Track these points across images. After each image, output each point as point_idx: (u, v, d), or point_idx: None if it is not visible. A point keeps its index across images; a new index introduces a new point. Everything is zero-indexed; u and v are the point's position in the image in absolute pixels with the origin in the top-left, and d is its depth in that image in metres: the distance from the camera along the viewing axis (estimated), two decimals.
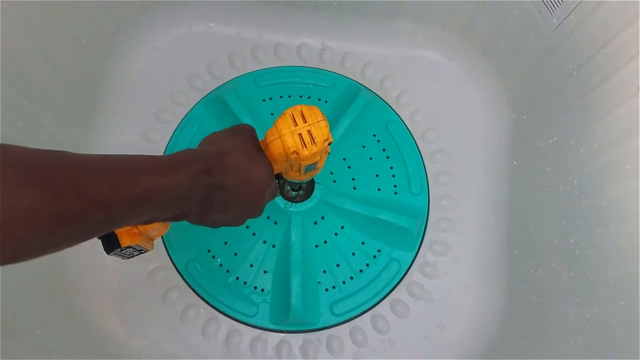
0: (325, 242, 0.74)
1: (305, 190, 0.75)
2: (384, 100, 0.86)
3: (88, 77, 0.78)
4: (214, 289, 0.71)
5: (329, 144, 0.47)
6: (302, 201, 0.74)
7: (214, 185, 0.40)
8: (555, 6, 0.66)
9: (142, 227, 0.45)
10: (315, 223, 0.75)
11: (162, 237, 0.73)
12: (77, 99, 0.75)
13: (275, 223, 0.74)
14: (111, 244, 0.44)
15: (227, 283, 0.71)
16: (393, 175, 0.79)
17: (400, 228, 0.73)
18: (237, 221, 0.47)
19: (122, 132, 0.80)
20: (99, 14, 0.76)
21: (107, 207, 0.31)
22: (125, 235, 0.44)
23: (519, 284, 0.72)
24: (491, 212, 0.79)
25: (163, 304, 0.70)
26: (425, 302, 0.73)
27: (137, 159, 0.35)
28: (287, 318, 0.68)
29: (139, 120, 0.82)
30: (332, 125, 0.78)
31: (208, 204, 0.40)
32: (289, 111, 0.45)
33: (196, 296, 0.71)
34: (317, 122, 0.45)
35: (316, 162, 0.49)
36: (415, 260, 0.75)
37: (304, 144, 0.44)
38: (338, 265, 0.73)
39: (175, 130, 0.82)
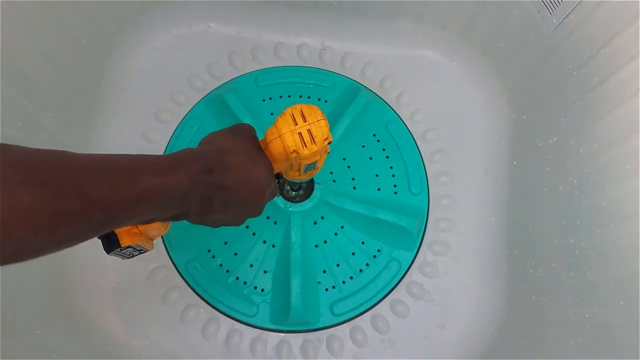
0: (325, 242, 0.74)
1: (305, 190, 0.75)
2: (383, 100, 0.86)
3: (88, 77, 0.78)
4: (214, 289, 0.71)
5: (329, 143, 0.47)
6: (302, 201, 0.74)
7: (214, 185, 0.40)
8: (555, 6, 0.66)
9: (142, 227, 0.45)
10: (315, 223, 0.75)
11: (162, 237, 0.73)
12: (77, 99, 0.75)
13: (275, 223, 0.74)
14: (111, 244, 0.43)
15: (227, 283, 0.71)
16: (393, 175, 0.79)
17: (400, 228, 0.73)
18: (237, 221, 0.47)
19: (122, 132, 0.80)
20: (99, 14, 0.76)
21: (107, 206, 0.31)
22: (125, 235, 0.44)
23: (518, 283, 0.72)
24: (491, 212, 0.79)
25: (163, 304, 0.70)
26: (425, 302, 0.73)
27: (137, 158, 0.35)
28: (287, 318, 0.68)
29: (139, 120, 0.82)
30: (332, 125, 0.78)
31: (208, 204, 0.40)
32: (288, 110, 0.45)
33: (196, 296, 0.71)
34: (317, 121, 0.45)
35: (316, 162, 0.49)
36: (415, 260, 0.75)
37: (304, 143, 0.44)
38: (338, 265, 0.73)
39: (175, 130, 0.82)
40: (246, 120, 0.77)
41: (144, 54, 0.86)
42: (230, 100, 0.79)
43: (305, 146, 0.45)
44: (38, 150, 0.30)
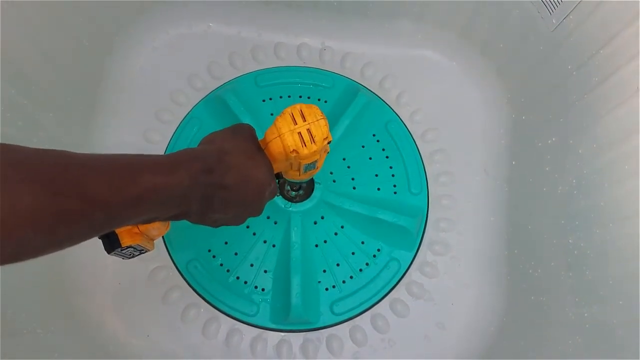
0: (325, 241, 0.74)
1: (305, 190, 0.75)
2: (383, 100, 0.86)
3: (88, 77, 0.79)
4: (214, 289, 0.71)
5: (329, 143, 0.47)
6: (302, 201, 0.74)
7: (214, 185, 0.40)
8: (555, 6, 0.66)
9: (142, 227, 0.45)
10: (315, 223, 0.75)
11: (162, 237, 0.73)
12: (77, 99, 0.75)
13: (276, 223, 0.74)
14: (112, 244, 0.44)
15: (228, 283, 0.71)
16: (393, 175, 0.79)
17: (400, 228, 0.73)
18: (237, 220, 0.47)
19: (122, 132, 0.80)
20: (99, 14, 0.76)
21: (107, 206, 0.31)
22: (126, 235, 0.44)
23: (518, 283, 0.72)
24: (491, 211, 0.79)
25: (163, 304, 0.71)
26: (425, 302, 0.73)
27: (137, 158, 0.35)
28: (287, 317, 0.68)
29: (139, 120, 0.82)
30: (332, 125, 0.78)
31: (208, 203, 0.40)
32: (288, 110, 0.45)
33: (197, 296, 0.71)
34: (317, 120, 0.45)
35: (316, 161, 0.49)
36: (415, 260, 0.75)
37: (304, 143, 0.45)
38: (338, 265, 0.73)
39: (175, 131, 0.82)
40: (246, 120, 0.78)
41: (144, 54, 0.86)
42: (231, 100, 0.80)
43: (305, 146, 0.45)
44: (38, 150, 0.30)
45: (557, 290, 0.63)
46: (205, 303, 0.71)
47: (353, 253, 0.74)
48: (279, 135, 0.45)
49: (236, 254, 0.73)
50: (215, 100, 0.83)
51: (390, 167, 0.80)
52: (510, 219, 0.77)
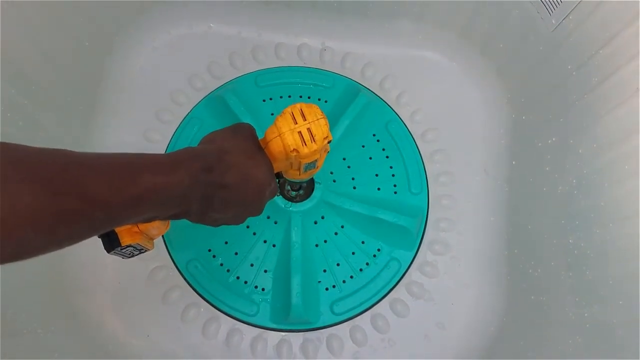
0: (326, 241, 0.74)
1: (305, 190, 0.75)
2: (383, 100, 0.86)
3: (88, 77, 0.79)
4: (214, 289, 0.71)
5: (329, 143, 0.47)
6: (302, 201, 0.74)
7: (214, 184, 0.40)
8: (555, 6, 0.66)
9: (142, 226, 0.45)
10: (316, 222, 0.75)
11: (162, 236, 0.74)
12: (78, 98, 0.75)
13: (276, 223, 0.74)
14: (111, 243, 0.44)
15: (228, 282, 0.71)
16: (393, 175, 0.80)
17: (400, 227, 0.73)
18: (238, 220, 0.47)
19: (122, 132, 0.81)
20: (99, 14, 0.76)
21: (107, 205, 0.31)
22: (126, 234, 0.44)
23: (518, 283, 0.72)
24: (491, 212, 0.79)
25: (163, 304, 0.71)
26: (425, 302, 0.73)
27: (137, 157, 0.35)
28: (287, 317, 0.68)
29: (139, 120, 0.82)
30: (332, 125, 0.78)
31: (208, 203, 0.40)
32: (288, 109, 0.45)
33: (197, 295, 0.71)
34: (317, 119, 0.45)
35: (316, 161, 0.49)
36: (415, 260, 0.75)
37: (304, 142, 0.45)
38: (338, 265, 0.73)
39: (175, 131, 0.82)
40: (246, 120, 0.78)
41: (144, 54, 0.86)
42: (231, 100, 0.80)
43: (305, 145, 0.45)
44: (38, 149, 0.30)
45: (557, 290, 0.63)
46: (206, 303, 0.71)
47: (353, 253, 0.74)
48: (279, 135, 0.45)
49: (236, 253, 0.73)
50: (215, 100, 0.83)
51: (391, 167, 0.80)
52: (510, 219, 0.77)
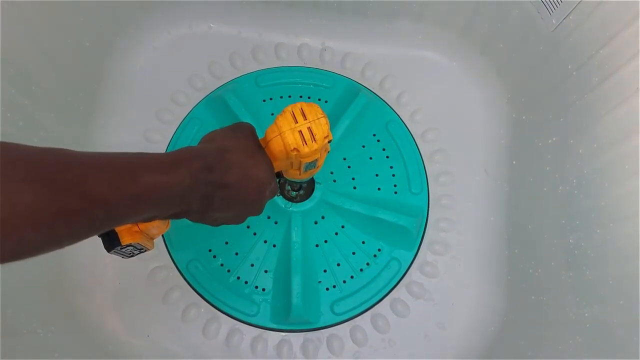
0: (326, 241, 0.74)
1: (306, 190, 0.75)
2: (383, 100, 0.86)
3: (88, 77, 0.79)
4: (215, 289, 0.71)
5: (329, 142, 0.47)
6: (302, 201, 0.74)
7: (215, 183, 0.40)
8: (555, 6, 0.66)
9: (142, 226, 0.45)
10: (316, 223, 0.75)
11: (163, 236, 0.74)
12: (78, 99, 0.75)
13: (276, 223, 0.74)
14: (112, 242, 0.43)
15: (228, 282, 0.71)
16: (393, 175, 0.80)
17: (400, 227, 0.73)
18: (238, 219, 0.47)
19: (122, 132, 0.81)
20: (99, 13, 0.76)
21: (107, 205, 0.31)
22: (126, 234, 0.44)
23: (518, 283, 0.72)
24: (491, 211, 0.79)
25: (164, 304, 0.71)
26: (425, 302, 0.73)
27: (137, 156, 0.35)
28: (287, 317, 0.68)
29: (139, 120, 0.82)
30: (332, 125, 0.78)
31: (208, 202, 0.40)
32: (289, 108, 0.45)
33: (197, 295, 0.71)
34: (317, 119, 0.45)
35: (316, 160, 0.49)
36: (415, 260, 0.75)
37: (304, 141, 0.45)
38: (338, 265, 0.73)
39: (176, 131, 0.82)
40: (246, 120, 0.77)
41: (144, 54, 0.86)
42: (231, 100, 0.80)
43: (306, 144, 0.45)
44: (38, 148, 0.30)
45: (558, 290, 0.63)
46: (206, 303, 0.71)
47: (353, 253, 0.74)
48: (280, 134, 0.44)
49: (237, 254, 0.73)
50: (215, 100, 0.83)
51: (391, 167, 0.80)
52: (510, 218, 0.77)
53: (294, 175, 0.54)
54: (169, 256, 0.73)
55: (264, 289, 0.71)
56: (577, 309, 0.59)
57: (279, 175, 0.54)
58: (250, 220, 0.74)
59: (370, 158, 0.81)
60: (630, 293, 0.51)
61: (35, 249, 0.29)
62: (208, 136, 0.45)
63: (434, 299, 0.73)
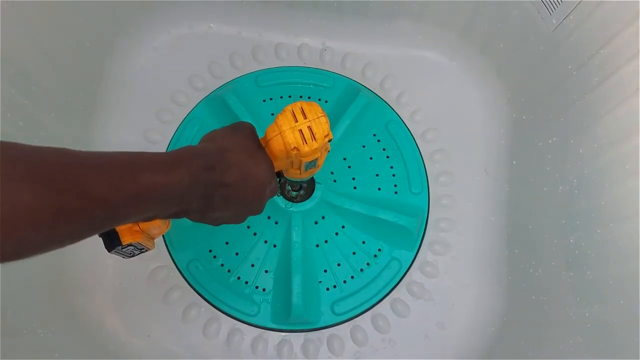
0: (326, 241, 0.74)
1: (306, 190, 0.75)
2: (384, 100, 0.86)
3: (88, 77, 0.79)
4: (215, 289, 0.71)
5: (329, 141, 0.47)
6: (302, 201, 0.74)
7: (215, 183, 0.40)
8: (555, 6, 0.66)
9: (143, 225, 0.45)
10: (316, 223, 0.75)
11: (163, 237, 0.74)
12: (78, 99, 0.75)
13: (276, 223, 0.74)
14: (112, 242, 0.43)
15: (229, 283, 0.71)
16: (393, 175, 0.80)
17: (401, 227, 0.73)
18: (238, 218, 0.47)
19: (122, 132, 0.81)
20: (99, 13, 0.76)
21: (107, 204, 0.31)
22: (127, 233, 0.44)
23: (518, 283, 0.72)
24: (491, 211, 0.79)
25: (164, 304, 0.71)
26: (425, 302, 0.73)
27: (138, 156, 0.35)
28: (288, 317, 0.68)
29: (139, 120, 0.82)
30: (333, 125, 0.77)
31: (208, 201, 0.40)
32: (289, 107, 0.45)
33: (197, 296, 0.71)
34: (317, 118, 0.45)
35: (316, 159, 0.49)
36: (416, 260, 0.75)
37: (305, 140, 0.44)
38: (339, 265, 0.73)
39: (176, 131, 0.82)
40: (247, 120, 0.77)
41: (144, 54, 0.86)
42: (231, 100, 0.80)
43: (306, 143, 0.45)
44: (38, 147, 0.30)
45: (558, 290, 0.63)
46: (206, 303, 0.71)
47: (354, 253, 0.74)
48: (280, 133, 0.44)
49: (237, 254, 0.73)
50: (215, 100, 0.83)
51: (391, 167, 0.80)
52: (510, 218, 0.77)
53: (294, 174, 0.54)
54: (169, 256, 0.73)
55: (264, 289, 0.71)
56: (577, 309, 0.59)
57: (279, 174, 0.54)
58: (251, 220, 0.74)
59: (371, 158, 0.81)
60: (630, 293, 0.51)
61: (35, 249, 0.29)
62: (208, 135, 0.45)
63: (434, 299, 0.73)
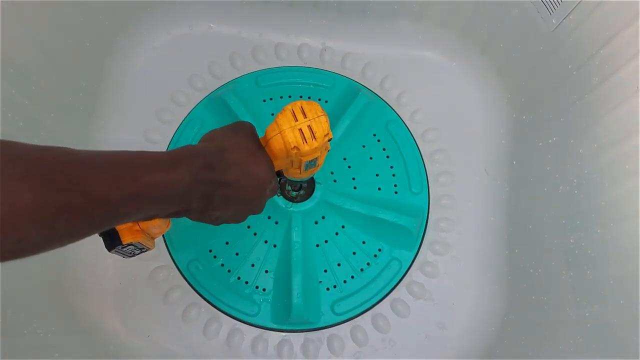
0: (326, 241, 0.74)
1: (306, 190, 0.75)
2: (384, 100, 0.87)
3: (88, 77, 0.79)
4: (215, 289, 0.71)
5: (329, 140, 0.47)
6: (302, 201, 0.74)
7: (215, 182, 0.40)
8: (555, 6, 0.66)
9: (143, 225, 0.45)
10: (316, 223, 0.75)
11: (163, 237, 0.74)
12: (78, 99, 0.75)
13: (276, 223, 0.74)
14: (112, 241, 0.43)
15: (229, 283, 0.71)
16: (393, 175, 0.80)
17: (401, 227, 0.73)
18: (238, 218, 0.47)
19: (123, 132, 0.81)
20: (99, 14, 0.76)
21: (107, 203, 0.31)
22: (127, 233, 0.44)
23: (518, 283, 0.72)
24: (491, 211, 0.79)
25: (164, 304, 0.71)
26: (426, 302, 0.73)
27: (138, 155, 0.35)
28: (288, 317, 0.68)
29: (139, 120, 0.82)
30: (333, 125, 0.78)
31: (208, 201, 0.40)
32: (289, 107, 0.45)
33: (197, 296, 0.71)
34: (317, 117, 0.45)
35: (316, 159, 0.49)
36: (416, 260, 0.75)
37: (305, 139, 0.44)
38: (339, 265, 0.73)
39: (176, 131, 0.82)
40: (247, 120, 0.77)
41: (145, 54, 0.86)
42: (231, 100, 0.80)
43: (306, 142, 0.45)
44: (39, 146, 0.30)
45: (558, 289, 0.63)
46: (206, 303, 0.71)
47: (354, 253, 0.74)
48: (280, 132, 0.44)
49: (237, 254, 0.73)
50: (215, 100, 0.83)
51: (391, 167, 0.80)
52: (510, 218, 0.77)
53: (294, 174, 0.54)
54: (169, 256, 0.73)
55: (264, 289, 0.71)
56: (577, 309, 0.59)
57: (279, 174, 0.54)
58: (251, 220, 0.74)
59: (371, 158, 0.81)
60: (630, 293, 0.51)
61: (35, 248, 0.29)
62: (208, 135, 0.46)
63: (434, 299, 0.73)
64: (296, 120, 0.44)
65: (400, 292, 0.73)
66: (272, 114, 0.83)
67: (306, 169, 0.51)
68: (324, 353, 0.69)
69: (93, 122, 0.79)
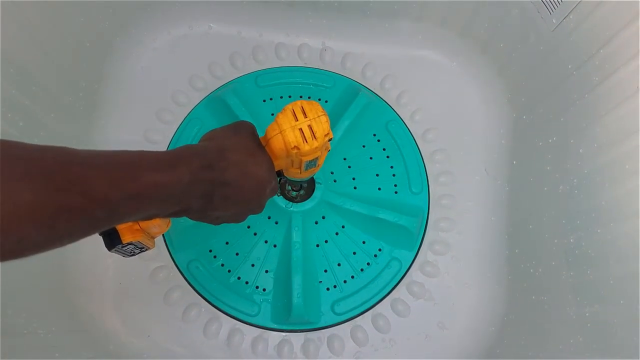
0: (326, 241, 0.74)
1: (306, 190, 0.75)
2: (384, 100, 0.87)
3: (89, 77, 0.79)
4: (215, 289, 0.71)
5: (329, 140, 0.47)
6: (302, 201, 0.74)
7: (215, 181, 0.40)
8: (555, 6, 0.66)
9: (143, 224, 0.45)
10: (316, 223, 0.75)
11: (163, 237, 0.74)
12: (78, 99, 0.75)
13: (277, 223, 0.74)
14: (112, 241, 0.43)
15: (229, 283, 0.71)
16: (393, 175, 0.80)
17: (401, 227, 0.73)
18: (238, 218, 0.47)
19: (123, 132, 0.81)
20: (99, 14, 0.76)
21: (107, 202, 0.31)
22: (127, 232, 0.44)
23: (519, 283, 0.72)
24: (491, 211, 0.79)
25: (165, 304, 0.71)
26: (426, 302, 0.73)
27: (138, 154, 0.35)
28: (288, 317, 0.68)
29: (140, 120, 0.82)
30: (333, 125, 0.77)
31: (208, 200, 0.40)
32: (289, 106, 0.45)
33: (198, 296, 0.71)
34: (318, 116, 0.45)
35: (317, 159, 0.49)
36: (416, 260, 0.75)
37: (305, 139, 0.44)
38: (339, 265, 0.73)
39: (176, 131, 0.82)
40: (247, 120, 0.77)
41: (145, 54, 0.86)
42: (231, 100, 0.80)
43: (306, 142, 0.44)
44: (39, 146, 0.30)
45: (558, 289, 0.63)
46: (206, 303, 0.71)
47: (354, 253, 0.74)
48: (280, 132, 0.44)
49: (237, 254, 0.73)
50: (216, 100, 0.83)
51: (391, 167, 0.80)
52: (510, 218, 0.77)
53: (295, 174, 0.54)
54: (169, 256, 0.73)
55: (264, 289, 0.71)
56: (577, 309, 0.59)
57: (279, 174, 0.54)
58: (251, 220, 0.74)
59: (371, 158, 0.81)
60: (630, 293, 0.51)
61: (35, 247, 0.29)
62: (208, 134, 0.46)
63: (435, 299, 0.73)
64: (296, 119, 0.44)
65: (400, 292, 0.73)
66: (272, 114, 0.83)
67: (306, 169, 0.51)
68: (324, 353, 0.69)
69: (93, 122, 0.79)
